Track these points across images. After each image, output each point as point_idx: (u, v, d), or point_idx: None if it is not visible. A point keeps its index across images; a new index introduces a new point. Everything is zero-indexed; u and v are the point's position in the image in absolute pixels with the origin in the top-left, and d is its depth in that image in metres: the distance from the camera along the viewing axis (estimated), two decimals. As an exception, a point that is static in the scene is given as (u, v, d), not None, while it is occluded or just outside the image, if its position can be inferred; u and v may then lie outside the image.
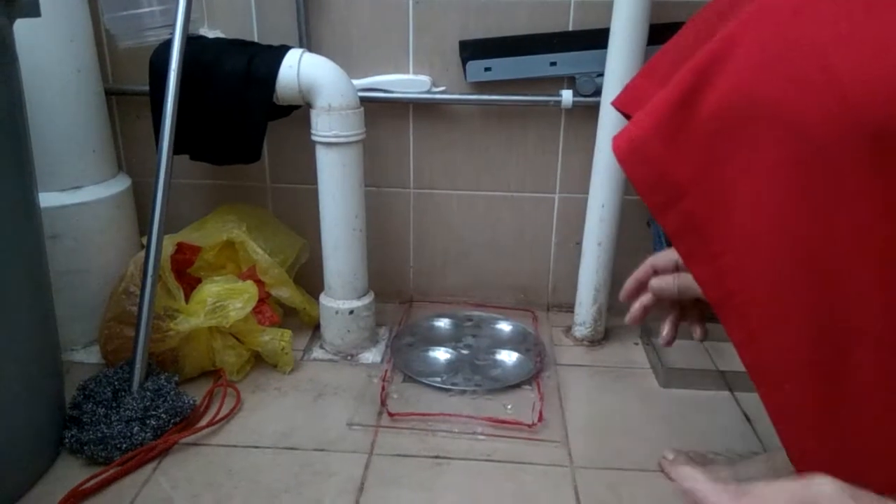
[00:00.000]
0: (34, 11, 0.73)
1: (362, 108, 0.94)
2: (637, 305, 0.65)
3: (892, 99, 0.33)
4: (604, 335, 1.09)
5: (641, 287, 0.65)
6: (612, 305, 1.09)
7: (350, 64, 1.02)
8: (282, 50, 0.92)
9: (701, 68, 0.39)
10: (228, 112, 0.92)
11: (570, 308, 1.11)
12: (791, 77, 0.36)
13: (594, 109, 0.99)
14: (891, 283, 0.38)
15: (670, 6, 0.97)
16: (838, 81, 0.34)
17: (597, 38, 0.97)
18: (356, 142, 0.93)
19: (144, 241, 0.87)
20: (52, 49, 0.91)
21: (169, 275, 0.92)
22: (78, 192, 0.97)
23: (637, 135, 0.42)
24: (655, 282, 0.63)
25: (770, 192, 0.38)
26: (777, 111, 0.36)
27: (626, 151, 0.43)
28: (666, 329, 0.66)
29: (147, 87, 0.94)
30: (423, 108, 1.09)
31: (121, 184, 1.03)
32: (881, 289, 0.38)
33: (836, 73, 0.35)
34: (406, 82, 1.06)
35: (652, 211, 0.44)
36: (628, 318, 0.66)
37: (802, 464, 0.45)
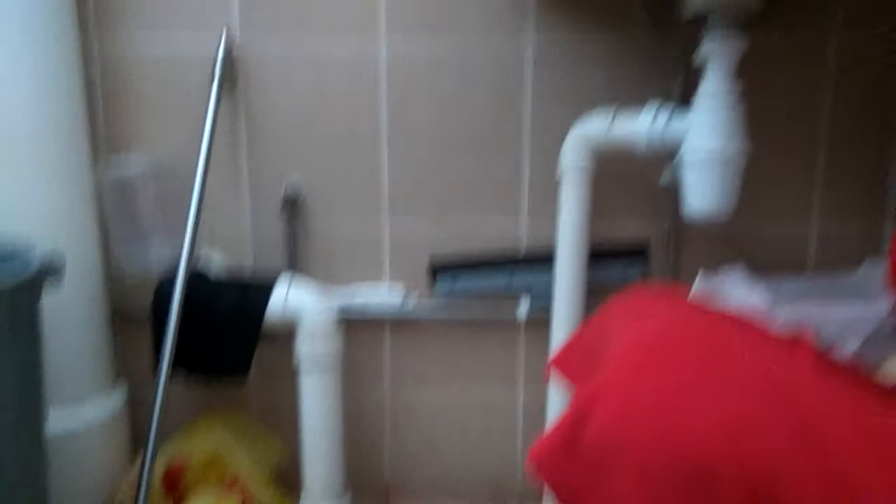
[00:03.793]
0: (57, 285, 0.86)
1: (341, 334, 1.06)
2: None
3: (723, 461, 0.45)
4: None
5: None
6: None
7: (332, 276, 1.17)
8: (270, 289, 1.05)
9: (582, 405, 0.52)
10: (221, 341, 1.04)
11: (540, 498, 1.18)
12: (647, 428, 0.48)
13: (547, 319, 1.12)
14: None
15: (605, 233, 1.14)
16: (685, 437, 0.46)
17: (546, 259, 1.12)
18: (334, 367, 1.05)
19: (138, 456, 0.94)
20: (70, 294, 1.01)
21: (160, 499, 0.99)
22: (76, 411, 1.04)
23: (545, 449, 0.53)
24: None
25: None
26: (635, 452, 0.48)
27: (538, 460, 0.54)
28: None
29: (148, 309, 1.05)
30: (397, 322, 1.22)
31: (117, 399, 1.12)
32: None
33: (683, 428, 0.47)
34: (382, 292, 1.20)
35: None
36: None
37: None
